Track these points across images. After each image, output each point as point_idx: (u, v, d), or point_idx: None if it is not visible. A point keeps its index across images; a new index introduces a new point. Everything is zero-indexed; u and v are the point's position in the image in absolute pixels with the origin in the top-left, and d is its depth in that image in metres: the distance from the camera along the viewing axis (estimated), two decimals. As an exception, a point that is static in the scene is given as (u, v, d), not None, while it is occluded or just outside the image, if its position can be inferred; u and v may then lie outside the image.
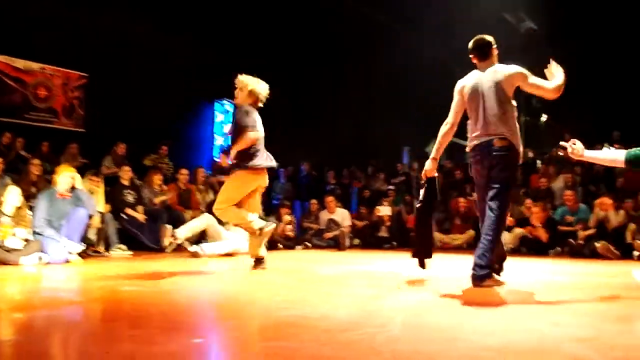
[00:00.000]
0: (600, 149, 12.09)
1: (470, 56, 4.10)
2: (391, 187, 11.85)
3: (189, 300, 3.25)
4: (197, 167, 9.34)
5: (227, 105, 12.26)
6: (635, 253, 6.71)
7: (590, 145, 11.53)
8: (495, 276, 3.76)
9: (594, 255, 7.13)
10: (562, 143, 3.54)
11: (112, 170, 8.53)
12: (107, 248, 7.09)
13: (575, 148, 3.42)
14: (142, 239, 7.60)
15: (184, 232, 6.94)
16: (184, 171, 8.73)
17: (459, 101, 4.08)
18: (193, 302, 3.21)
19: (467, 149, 4.05)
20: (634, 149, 3.13)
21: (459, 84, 4.09)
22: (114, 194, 7.73)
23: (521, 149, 3.87)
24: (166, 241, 6.64)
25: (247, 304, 3.12)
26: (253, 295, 3.47)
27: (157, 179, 8.36)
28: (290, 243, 8.73)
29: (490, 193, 3.76)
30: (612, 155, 3.39)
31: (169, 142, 9.74)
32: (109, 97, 9.46)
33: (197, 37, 10.75)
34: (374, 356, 1.89)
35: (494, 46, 4.02)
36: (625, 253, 6.95)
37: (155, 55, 10.16)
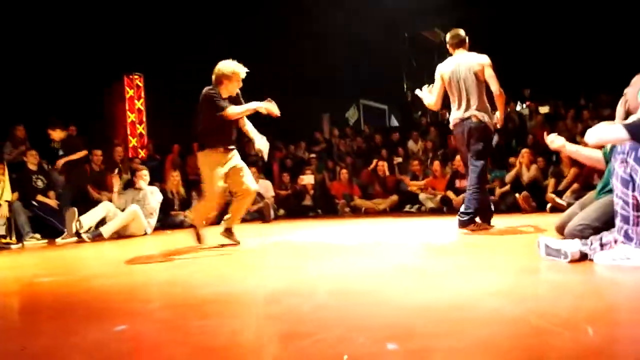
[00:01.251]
0: (514, 107, 12.80)
1: (447, 46, 5.05)
2: (313, 155, 11.93)
3: (108, 286, 3.13)
4: (115, 146, 9.00)
5: (138, 80, 11.80)
6: (548, 206, 7.02)
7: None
8: (478, 220, 4.76)
9: (510, 209, 7.45)
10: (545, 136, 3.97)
11: (14, 155, 8.06)
12: (20, 239, 6.75)
13: (554, 141, 3.85)
14: (56, 225, 7.27)
15: (88, 221, 6.61)
16: (97, 152, 8.35)
17: (440, 84, 4.95)
18: (113, 288, 3.10)
19: (451, 125, 4.95)
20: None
21: (439, 70, 4.99)
22: (21, 180, 7.31)
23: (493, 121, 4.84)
24: (73, 226, 6.34)
25: (168, 285, 3.05)
26: (173, 275, 3.39)
27: (68, 161, 7.97)
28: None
29: (472, 157, 4.73)
30: (589, 152, 3.73)
31: (77, 122, 9.26)
32: (7, 76, 8.84)
33: (105, 11, 10.21)
34: (299, 325, 1.90)
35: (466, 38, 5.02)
36: (539, 206, 7.26)
37: (59, 30, 9.56)
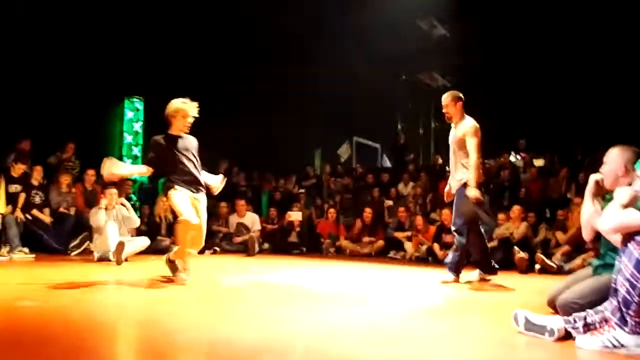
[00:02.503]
0: (508, 156, 12.84)
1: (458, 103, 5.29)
2: (302, 190, 12.03)
3: (89, 320, 3.24)
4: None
5: (137, 103, 12.04)
6: (537, 266, 6.90)
7: (497, 153, 11.92)
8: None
9: (500, 265, 7.17)
10: None
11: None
12: (9, 251, 6.87)
13: None
14: (46, 241, 7.44)
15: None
16: (91, 172, 8.49)
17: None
18: (92, 323, 3.21)
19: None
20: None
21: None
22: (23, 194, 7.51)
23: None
24: (122, 257, 6.43)
25: (147, 326, 3.14)
26: (152, 314, 3.48)
27: (65, 180, 8.15)
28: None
29: None
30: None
31: (75, 140, 9.44)
32: (13, 91, 9.03)
33: (107, 33, 10.45)
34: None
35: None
36: (527, 265, 7.00)
37: (63, 49, 9.78)
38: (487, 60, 14.36)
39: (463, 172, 5.13)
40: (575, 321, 2.65)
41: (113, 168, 4.78)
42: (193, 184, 4.85)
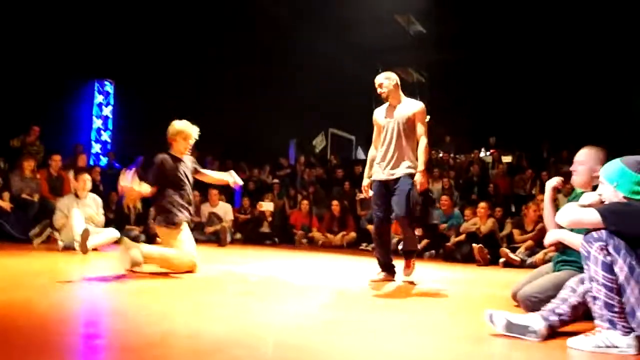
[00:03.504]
0: (479, 153, 13.03)
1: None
2: (276, 180, 11.96)
3: (53, 313, 3.11)
4: (79, 153, 8.89)
5: (108, 86, 11.72)
6: (501, 260, 7.08)
7: (468, 149, 12.14)
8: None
9: (466, 259, 7.54)
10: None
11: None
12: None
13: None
14: (6, 229, 7.15)
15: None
16: (57, 157, 8.24)
17: None
18: (57, 314, 3.08)
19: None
20: None
21: None
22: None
23: None
24: (87, 245, 6.18)
25: (115, 316, 3.05)
26: (121, 306, 3.38)
27: (28, 165, 7.85)
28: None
29: None
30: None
31: (40, 123, 9.13)
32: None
33: (78, 11, 10.11)
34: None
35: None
36: (493, 259, 7.28)
37: (29, 26, 9.42)
38: (461, 58, 14.54)
39: (411, 160, 4.60)
40: (548, 318, 2.68)
41: (133, 184, 4.69)
42: (188, 208, 4.87)
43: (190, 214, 4.89)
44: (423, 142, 4.58)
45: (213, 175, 5.24)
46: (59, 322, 2.91)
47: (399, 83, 4.75)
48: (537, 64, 14.01)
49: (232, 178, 5.04)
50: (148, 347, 2.36)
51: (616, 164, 2.72)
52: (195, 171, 5.07)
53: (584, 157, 3.33)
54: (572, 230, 2.94)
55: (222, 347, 2.40)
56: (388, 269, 4.81)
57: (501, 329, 2.72)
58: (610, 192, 2.68)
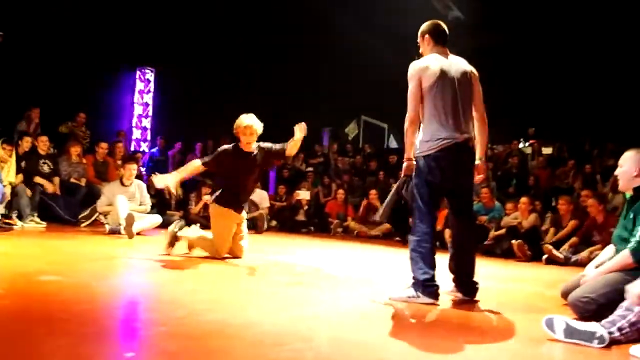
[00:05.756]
0: (517, 145, 12.79)
1: (425, 38, 3.71)
2: (310, 168, 12.02)
3: (110, 296, 3.21)
4: (116, 142, 9.09)
5: (149, 74, 11.92)
6: (544, 256, 6.92)
7: (506, 139, 11.96)
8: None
9: (505, 254, 7.35)
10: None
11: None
12: (20, 219, 6.85)
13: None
14: (56, 211, 7.41)
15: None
16: (103, 144, 8.47)
17: (418, 88, 3.50)
18: (115, 299, 3.19)
19: (427, 149, 3.43)
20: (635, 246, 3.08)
21: (419, 66, 3.52)
22: (29, 164, 7.41)
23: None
24: (133, 230, 6.40)
25: (171, 304, 3.11)
26: (175, 292, 3.47)
27: (75, 151, 8.09)
28: (209, 223, 8.68)
29: (460, 203, 3.61)
30: (620, 262, 3.16)
31: (86, 110, 9.38)
32: (23, 60, 8.92)
33: (119, 3, 10.29)
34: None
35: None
36: (535, 255, 7.09)
37: (75, 17, 9.64)
38: (500, 45, 14.25)
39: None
40: (609, 327, 2.59)
41: (167, 180, 4.90)
42: (236, 202, 4.96)
43: (235, 209, 4.99)
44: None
45: (292, 144, 5.13)
46: (119, 308, 3.04)
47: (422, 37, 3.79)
48: (578, 50, 13.63)
49: (300, 133, 5.00)
50: (209, 337, 2.42)
51: None
52: (271, 155, 5.10)
53: (624, 160, 3.30)
54: None
55: (281, 341, 2.43)
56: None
57: (561, 335, 2.61)
58: None
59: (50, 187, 7.49)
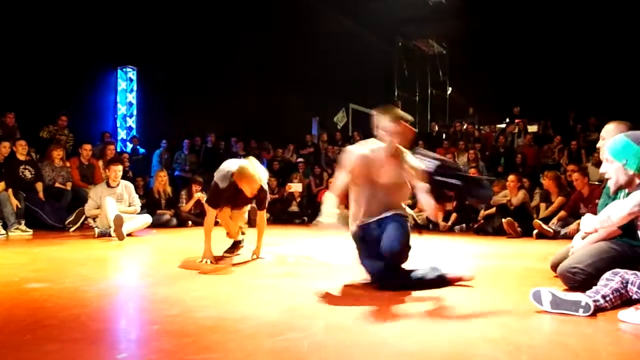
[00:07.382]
0: (507, 126, 12.84)
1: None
2: (301, 159, 11.95)
3: (101, 300, 3.13)
4: (107, 144, 8.96)
5: (131, 73, 11.74)
6: (535, 231, 7.08)
7: (492, 120, 12.23)
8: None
9: (497, 232, 7.51)
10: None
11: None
12: (5, 228, 6.70)
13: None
14: (42, 218, 7.27)
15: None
16: (87, 146, 8.33)
17: None
18: (105, 302, 3.11)
19: None
20: None
21: None
22: (9, 170, 7.24)
23: None
24: (123, 232, 6.26)
25: (164, 303, 3.04)
26: (168, 291, 3.40)
27: (57, 154, 7.93)
28: (200, 220, 8.60)
29: None
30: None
31: (67, 112, 9.18)
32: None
33: (99, 1, 10.11)
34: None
35: None
36: (526, 231, 7.27)
37: (53, 17, 9.44)
38: (482, 27, 14.30)
39: None
40: (593, 295, 2.65)
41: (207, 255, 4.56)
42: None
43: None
44: None
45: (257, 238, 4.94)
46: (110, 310, 2.97)
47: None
48: (558, 29, 13.74)
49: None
50: (204, 332, 2.38)
51: (622, 140, 2.69)
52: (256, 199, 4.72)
53: (604, 132, 3.42)
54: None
55: (276, 331, 2.41)
56: None
57: (548, 306, 2.66)
58: (619, 170, 2.69)
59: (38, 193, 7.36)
